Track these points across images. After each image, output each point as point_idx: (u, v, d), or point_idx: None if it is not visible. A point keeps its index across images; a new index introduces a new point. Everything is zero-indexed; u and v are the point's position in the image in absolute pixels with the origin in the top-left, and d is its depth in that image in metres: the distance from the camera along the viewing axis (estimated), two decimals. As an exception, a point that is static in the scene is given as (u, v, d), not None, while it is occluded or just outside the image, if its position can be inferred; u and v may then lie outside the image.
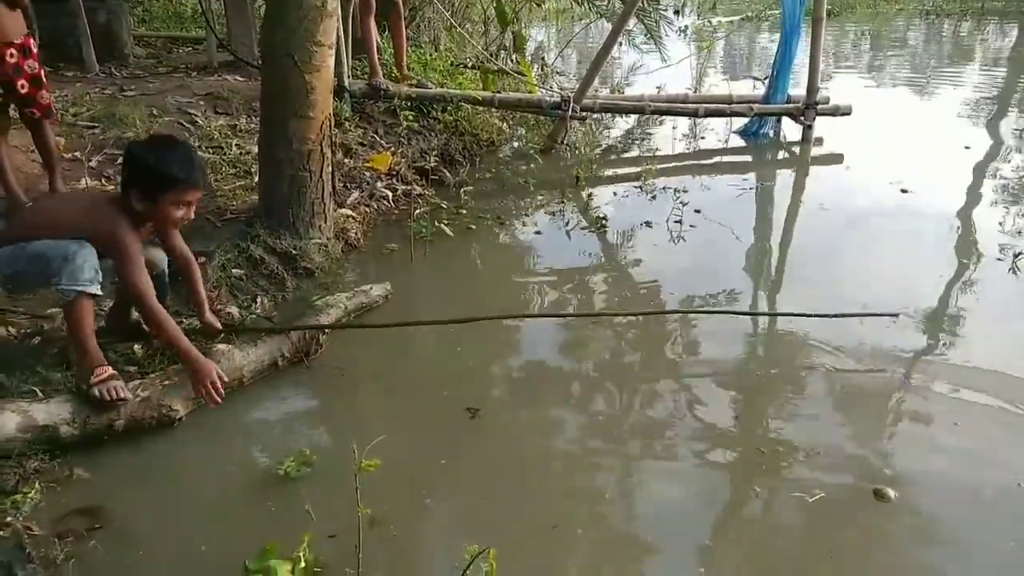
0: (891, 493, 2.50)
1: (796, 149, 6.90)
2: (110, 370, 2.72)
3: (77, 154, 4.54)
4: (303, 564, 2.10)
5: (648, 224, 4.99)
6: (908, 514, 2.45)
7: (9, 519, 2.30)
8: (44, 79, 3.86)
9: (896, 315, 3.63)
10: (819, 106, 6.75)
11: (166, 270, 3.19)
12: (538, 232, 4.96)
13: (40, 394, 2.74)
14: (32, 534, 2.27)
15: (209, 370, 2.73)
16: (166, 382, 2.87)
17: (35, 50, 3.79)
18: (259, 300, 3.73)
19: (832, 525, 2.41)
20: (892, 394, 3.08)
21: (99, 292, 2.67)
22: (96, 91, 5.55)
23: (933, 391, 3.10)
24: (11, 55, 3.65)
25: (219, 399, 2.74)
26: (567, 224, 5.08)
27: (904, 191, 5.57)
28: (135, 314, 3.19)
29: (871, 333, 3.50)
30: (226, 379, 2.82)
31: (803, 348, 3.42)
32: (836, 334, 3.49)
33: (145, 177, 2.62)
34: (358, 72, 6.47)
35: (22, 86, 3.72)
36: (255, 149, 4.69)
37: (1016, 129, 7.52)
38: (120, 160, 4.37)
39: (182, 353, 2.75)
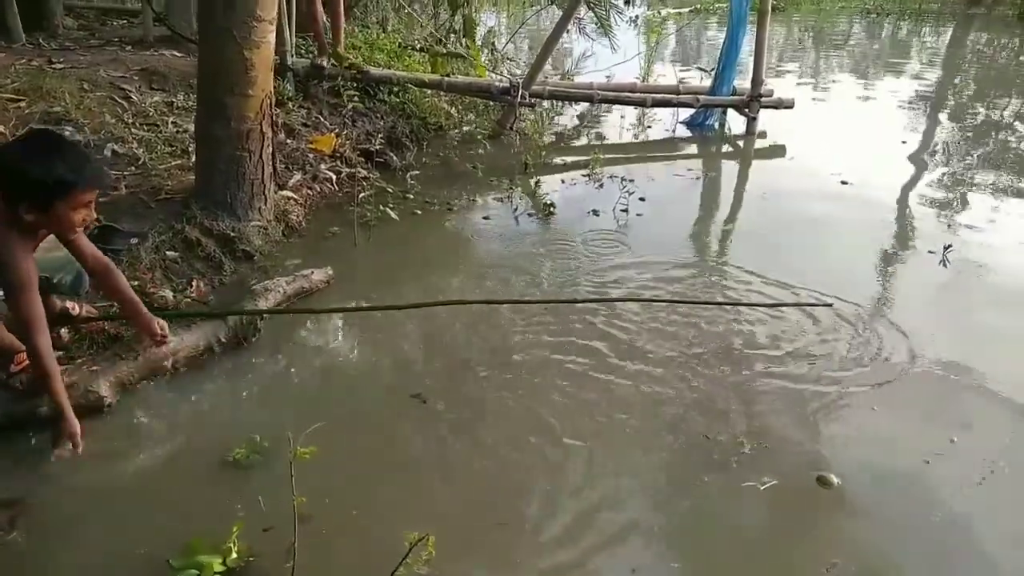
0: (834, 479, 2.56)
1: (741, 141, 7.02)
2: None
3: (0, 128, 4.31)
4: (234, 555, 2.04)
5: (595, 212, 5.00)
6: (848, 498, 2.52)
7: (-79, 512, 2.18)
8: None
9: (830, 305, 3.72)
10: (763, 99, 6.88)
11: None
12: (486, 218, 4.93)
13: (-44, 380, 2.60)
14: (-54, 526, 2.16)
15: (75, 429, 2.44)
16: (94, 368, 2.76)
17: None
18: (195, 283, 3.61)
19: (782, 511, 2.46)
20: (822, 382, 3.15)
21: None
22: (22, 63, 5.27)
23: (859, 378, 3.18)
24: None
25: (75, 450, 2.45)
26: (515, 210, 5.05)
27: (844, 183, 5.71)
28: (59, 302, 3.02)
29: (807, 322, 3.59)
30: (79, 446, 2.48)
31: (741, 336, 3.47)
32: (775, 322, 3.56)
33: (31, 188, 2.23)
34: (302, 51, 6.31)
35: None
36: (192, 127, 4.53)
37: (949, 126, 7.79)
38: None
39: (55, 403, 2.44)
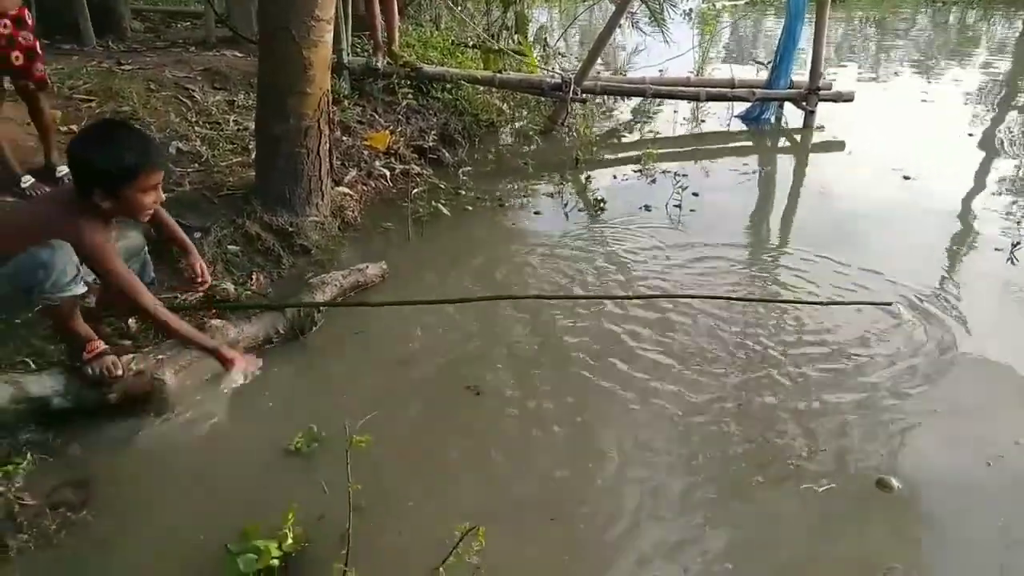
0: (895, 483, 2.50)
1: (798, 136, 6.86)
2: (102, 345, 2.70)
3: (73, 127, 4.50)
4: (290, 540, 2.10)
5: (647, 208, 4.96)
6: (911, 502, 2.46)
7: (1, 489, 2.30)
8: (39, 51, 3.82)
9: (891, 304, 3.62)
10: (822, 92, 6.71)
11: (146, 250, 3.08)
12: (537, 213, 4.94)
13: (33, 365, 2.74)
14: (24, 504, 2.28)
15: (230, 356, 2.84)
16: (160, 356, 2.86)
17: (30, 22, 3.75)
18: (255, 276, 3.72)
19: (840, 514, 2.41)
20: (882, 382, 3.07)
21: (84, 289, 2.56)
22: (93, 65, 5.49)
23: (922, 379, 3.09)
24: (5, 26, 3.60)
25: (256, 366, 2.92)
26: (566, 206, 5.06)
27: (906, 178, 5.54)
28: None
29: (866, 320, 3.50)
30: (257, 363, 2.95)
31: (796, 334, 3.41)
32: (833, 321, 3.49)
33: (101, 176, 2.39)
34: (358, 49, 6.42)
35: (16, 58, 3.68)
36: (253, 125, 4.65)
37: (1019, 119, 7.47)
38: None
39: (199, 349, 2.78)
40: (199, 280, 3.03)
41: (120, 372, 2.68)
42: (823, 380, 3.08)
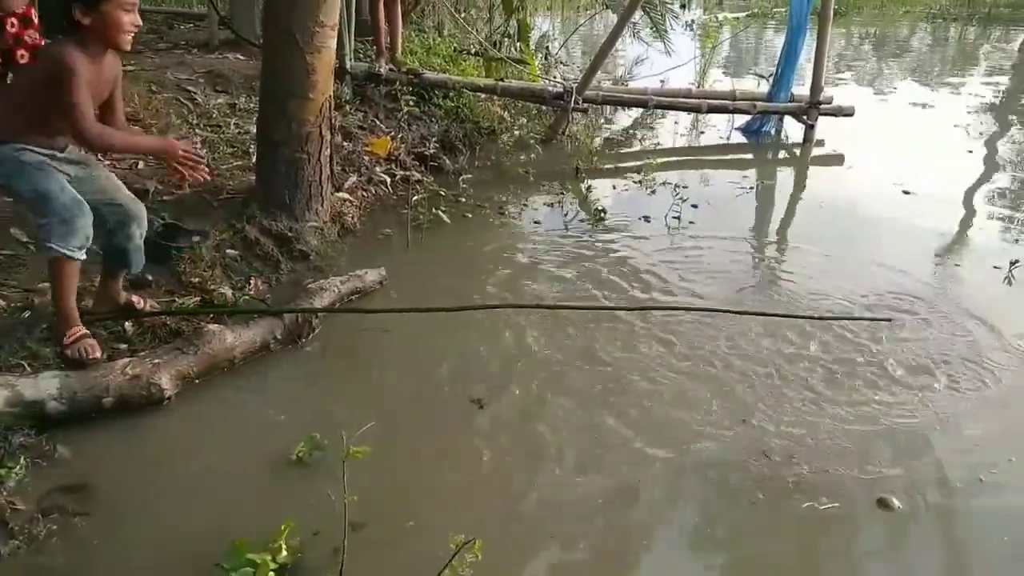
0: (895, 502, 2.49)
1: (798, 149, 6.88)
2: (83, 330, 2.80)
3: (73, 128, 4.49)
4: (284, 553, 2.08)
5: (647, 219, 4.96)
6: (909, 520, 2.45)
7: (-7, 493, 2.28)
8: (44, 50, 3.81)
9: (890, 320, 3.62)
10: (822, 106, 6.73)
11: (143, 232, 3.04)
12: (536, 222, 4.94)
13: (28, 368, 2.71)
14: (15, 509, 2.25)
15: (174, 144, 2.82)
16: (156, 361, 2.85)
17: (36, 20, 3.74)
18: (253, 281, 3.70)
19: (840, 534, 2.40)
20: (882, 401, 3.06)
21: (83, 258, 2.71)
22: (95, 64, 5.48)
23: (920, 397, 3.09)
24: (12, 24, 3.59)
25: (203, 172, 2.85)
26: (566, 215, 5.05)
27: (906, 192, 5.56)
28: (125, 294, 3.16)
29: (865, 335, 3.50)
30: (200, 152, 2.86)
31: (800, 350, 3.41)
32: (831, 335, 3.49)
33: None
34: (360, 55, 6.42)
35: (21, 56, 3.66)
36: (254, 129, 4.65)
37: (1020, 136, 7.50)
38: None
39: (145, 148, 2.94)
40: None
41: (97, 354, 2.77)
42: (823, 396, 3.07)
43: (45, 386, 2.60)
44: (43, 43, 3.76)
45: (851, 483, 2.58)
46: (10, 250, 3.38)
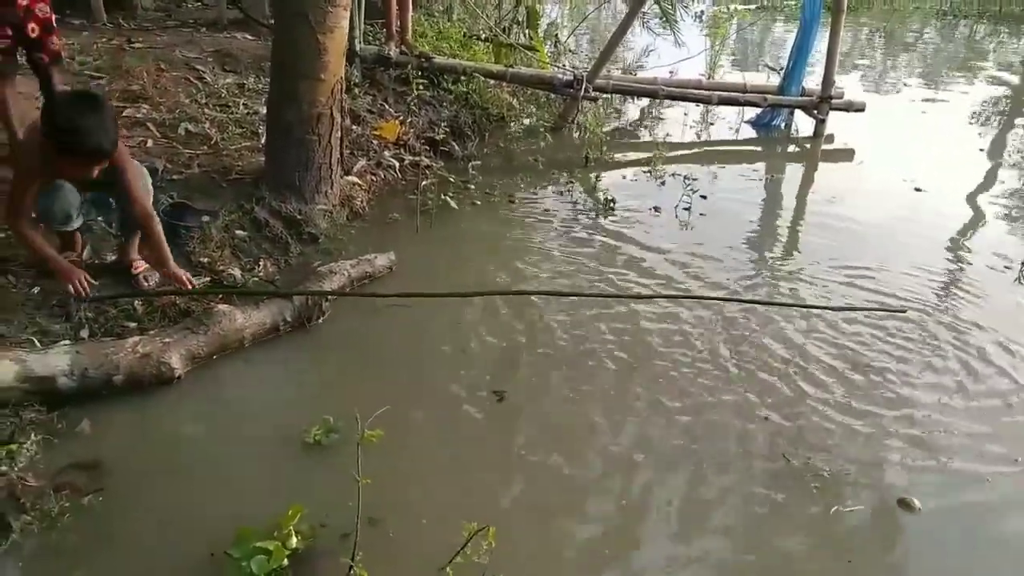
0: (916, 503, 2.49)
1: (808, 143, 6.84)
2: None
3: (82, 104, 4.45)
4: (295, 538, 2.07)
5: (656, 209, 4.94)
6: (930, 522, 2.45)
7: (3, 468, 2.27)
8: (55, 24, 3.76)
9: (904, 311, 3.62)
10: (833, 101, 6.68)
11: (149, 180, 3.11)
12: (546, 211, 4.91)
13: (38, 344, 2.70)
14: (28, 486, 2.25)
15: (72, 272, 2.85)
16: (166, 340, 2.84)
17: (47, -7, 3.69)
18: (262, 263, 3.68)
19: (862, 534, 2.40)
20: (902, 402, 3.06)
21: (69, 228, 3.01)
22: (103, 41, 5.44)
23: (937, 399, 3.08)
24: (23, -4, 3.55)
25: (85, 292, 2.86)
26: (575, 204, 5.03)
27: (918, 189, 5.53)
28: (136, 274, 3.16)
29: (879, 332, 3.49)
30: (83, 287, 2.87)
31: (812, 342, 3.40)
32: (843, 328, 3.48)
33: (48, 128, 2.57)
34: (370, 37, 6.37)
35: (32, 29, 3.61)
36: (263, 110, 4.62)
37: (1028, 135, 7.47)
38: (124, 113, 4.34)
39: (51, 264, 2.86)
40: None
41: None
42: (842, 400, 3.06)
43: (56, 362, 2.59)
44: (52, 17, 3.73)
45: (873, 484, 2.58)
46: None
